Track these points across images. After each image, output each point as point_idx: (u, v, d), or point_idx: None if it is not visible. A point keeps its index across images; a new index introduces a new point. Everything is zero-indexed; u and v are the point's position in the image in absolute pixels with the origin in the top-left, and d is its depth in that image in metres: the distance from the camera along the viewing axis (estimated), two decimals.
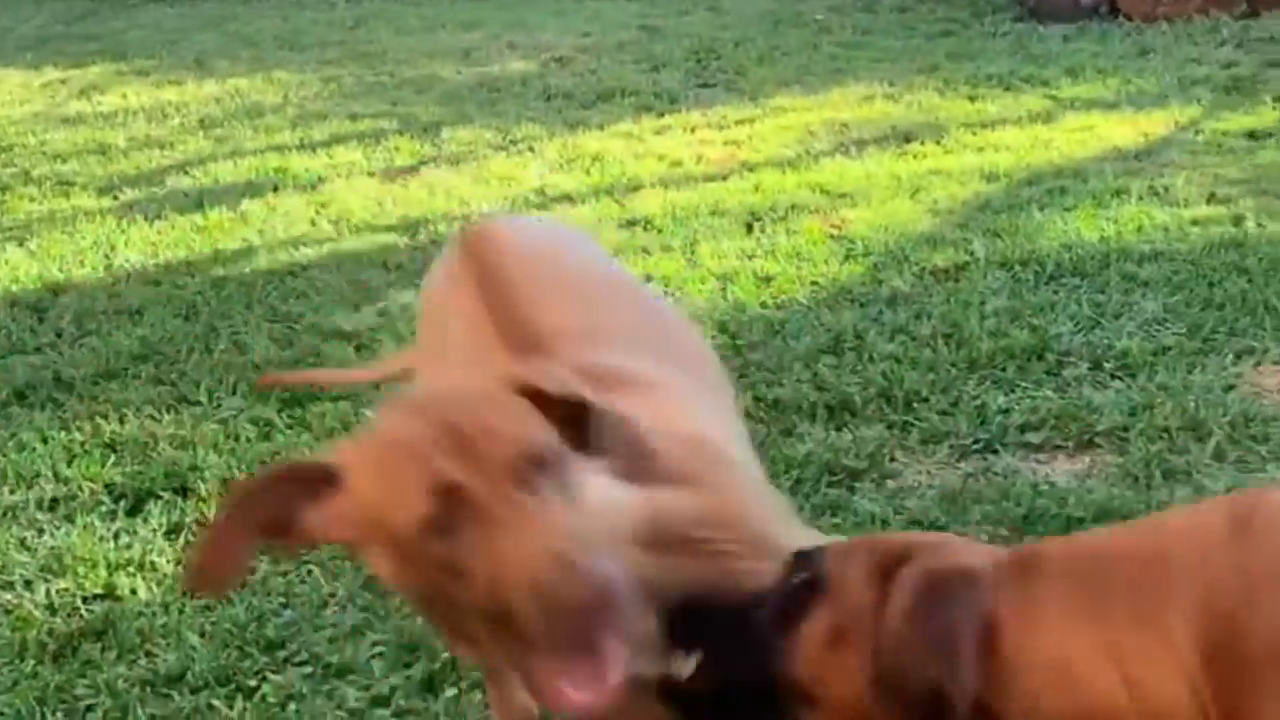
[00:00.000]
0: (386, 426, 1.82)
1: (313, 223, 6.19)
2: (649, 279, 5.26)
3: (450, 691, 2.92)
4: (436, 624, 1.90)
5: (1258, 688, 1.68)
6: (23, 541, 3.53)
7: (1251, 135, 7.04)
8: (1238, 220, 5.57)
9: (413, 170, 7.03)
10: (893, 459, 3.79)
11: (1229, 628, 1.70)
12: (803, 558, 1.96)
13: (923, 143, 7.15)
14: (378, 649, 3.07)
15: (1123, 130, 7.24)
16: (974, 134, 7.25)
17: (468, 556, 1.68)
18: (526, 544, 1.66)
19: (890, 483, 3.69)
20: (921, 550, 1.92)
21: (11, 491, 3.76)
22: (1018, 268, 5.12)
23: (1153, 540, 1.85)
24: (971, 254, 5.30)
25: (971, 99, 8.08)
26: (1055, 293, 4.81)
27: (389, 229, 6.07)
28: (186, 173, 7.10)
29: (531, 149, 7.39)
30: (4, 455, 3.94)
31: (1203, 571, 1.75)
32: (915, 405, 4.04)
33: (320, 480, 1.81)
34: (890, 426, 3.99)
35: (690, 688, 1.92)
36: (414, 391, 2.04)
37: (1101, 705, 1.77)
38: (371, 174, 6.96)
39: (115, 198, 6.67)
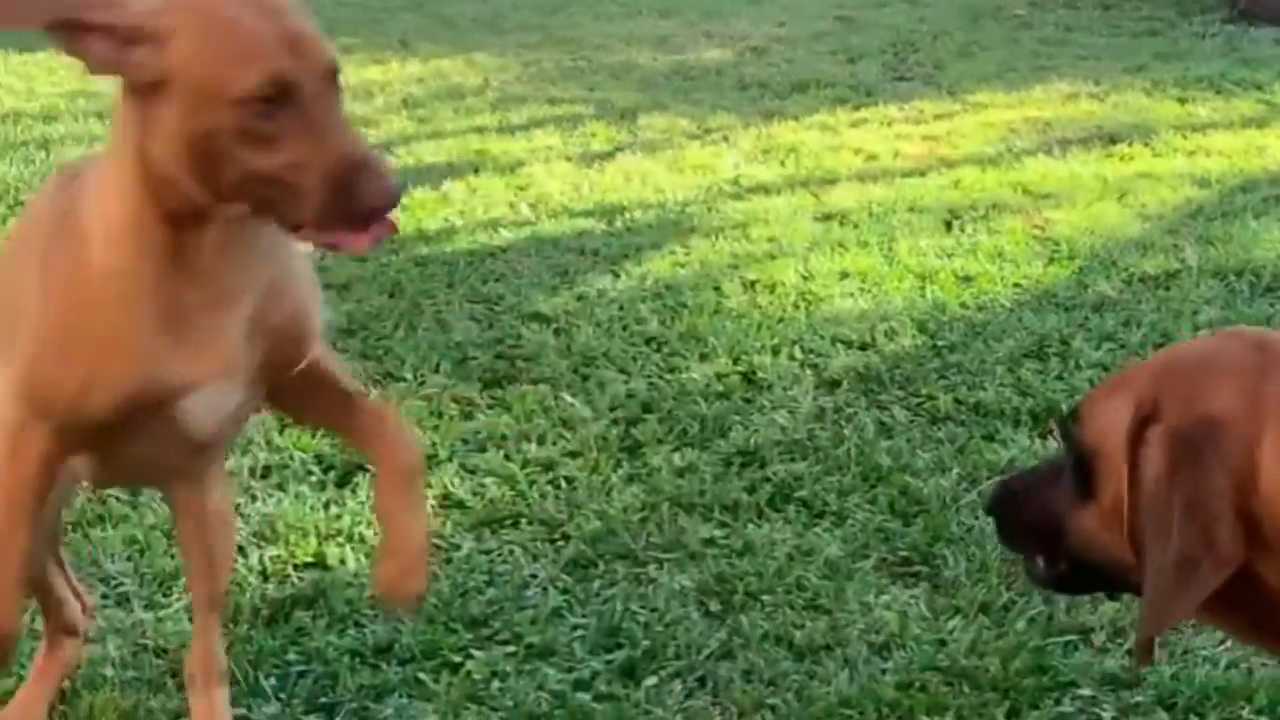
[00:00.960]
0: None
1: (511, 206, 6.27)
2: (845, 274, 5.23)
3: (651, 680, 2.93)
4: (193, 170, 2.06)
5: None
6: (236, 507, 3.62)
7: None
8: None
9: (609, 156, 7.07)
10: None
11: None
12: (1062, 424, 1.95)
13: (1130, 144, 6.99)
14: (578, 632, 3.09)
15: None
16: (1184, 137, 7.08)
17: (281, 136, 2.01)
18: (341, 139, 2.04)
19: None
20: (1170, 398, 1.77)
21: (225, 458, 3.86)
22: (1232, 277, 4.99)
23: None
24: (1183, 261, 5.18)
25: (1181, 101, 7.88)
26: (1272, 305, 4.68)
27: (586, 214, 6.12)
28: (390, 152, 7.22)
29: (726, 138, 7.39)
30: None
31: None
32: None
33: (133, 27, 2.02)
34: None
35: (1051, 575, 2.02)
36: None
37: None
38: (569, 159, 7.02)
39: None
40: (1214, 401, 1.72)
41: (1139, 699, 2.82)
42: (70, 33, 2.03)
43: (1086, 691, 2.85)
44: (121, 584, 3.29)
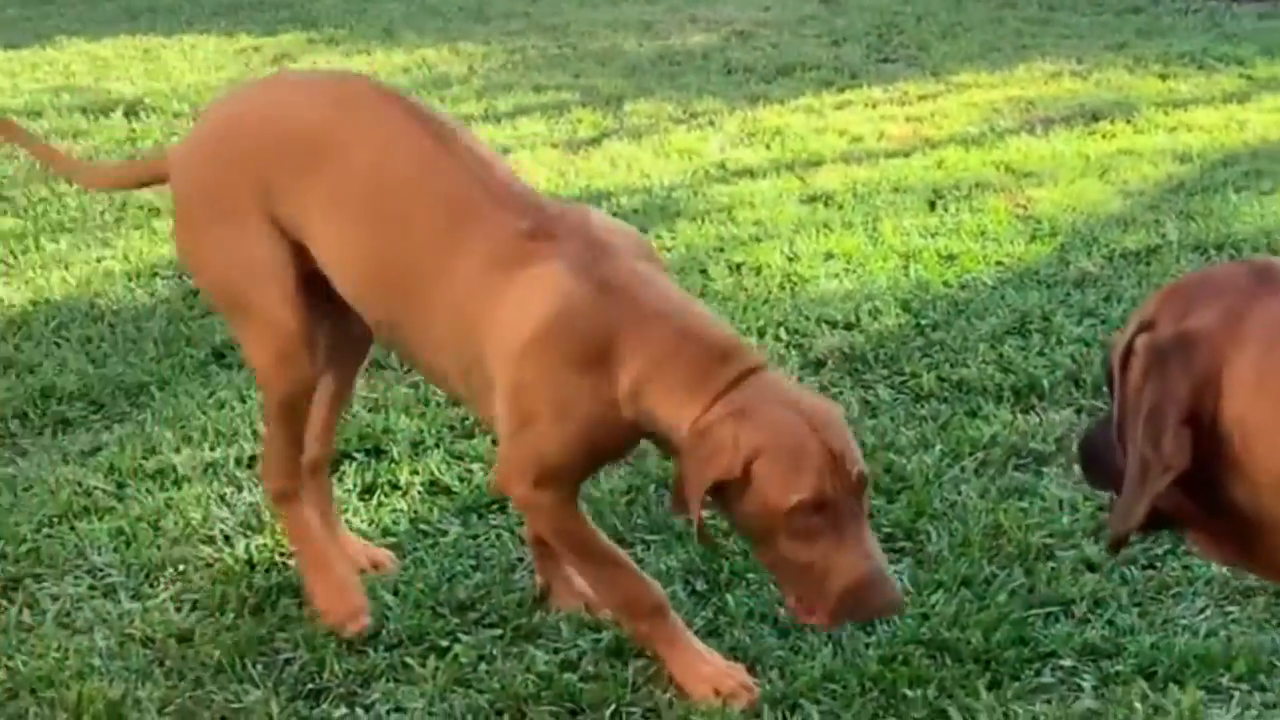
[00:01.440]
0: (782, 424, 2.61)
1: None
2: (830, 255, 5.25)
3: (639, 659, 2.95)
4: (747, 538, 2.81)
5: None
6: (223, 498, 3.65)
7: None
8: None
9: (595, 142, 7.08)
10: None
11: None
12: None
13: (1112, 122, 7.01)
14: (564, 614, 3.11)
15: None
16: (1166, 114, 7.10)
17: (815, 536, 2.58)
18: (860, 552, 2.60)
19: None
20: (1165, 314, 1.80)
21: (211, 448, 3.88)
22: (1213, 252, 5.01)
23: None
24: (1164, 237, 5.20)
25: (1163, 77, 7.90)
26: None
27: (572, 200, 6.12)
28: None
29: (712, 123, 7.40)
30: (204, 413, 4.07)
31: None
32: (1105, 389, 3.97)
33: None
34: (1079, 410, 3.94)
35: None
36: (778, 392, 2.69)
37: None
38: (555, 146, 7.03)
39: None
40: (1196, 318, 1.74)
41: (1119, 668, 2.84)
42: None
43: (1067, 662, 2.88)
44: (108, 575, 3.31)
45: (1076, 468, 2.34)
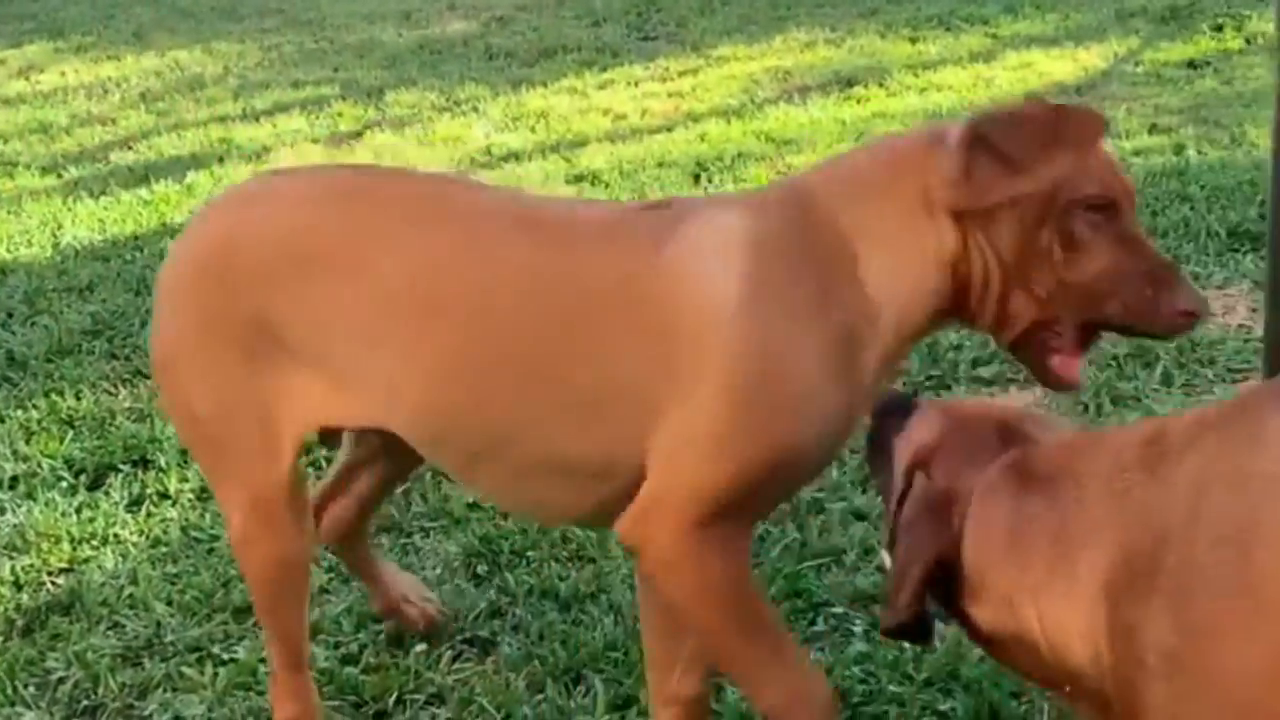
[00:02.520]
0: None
1: None
2: None
3: (420, 646, 2.94)
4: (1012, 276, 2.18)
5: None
6: None
7: (1190, 65, 7.12)
8: (1179, 149, 5.64)
9: (357, 135, 7.01)
10: None
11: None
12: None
13: (866, 86, 7.19)
14: (345, 608, 3.09)
15: (1063, 65, 7.30)
16: (916, 75, 7.30)
17: (1100, 245, 2.14)
18: (1153, 250, 2.18)
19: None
20: (941, 457, 1.99)
21: None
22: None
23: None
24: None
25: (912, 40, 8.12)
26: None
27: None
28: (130, 148, 7.06)
29: (476, 109, 7.38)
30: None
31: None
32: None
33: None
34: None
35: None
36: None
37: (1027, 640, 1.84)
38: (316, 141, 6.93)
39: (60, 176, 6.63)
40: (955, 479, 1.95)
41: None
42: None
43: (839, 609, 2.95)
44: None
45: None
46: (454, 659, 2.92)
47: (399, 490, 3.36)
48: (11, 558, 3.36)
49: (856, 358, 2.14)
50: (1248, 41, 7.43)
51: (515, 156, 6.48)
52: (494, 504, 3.03)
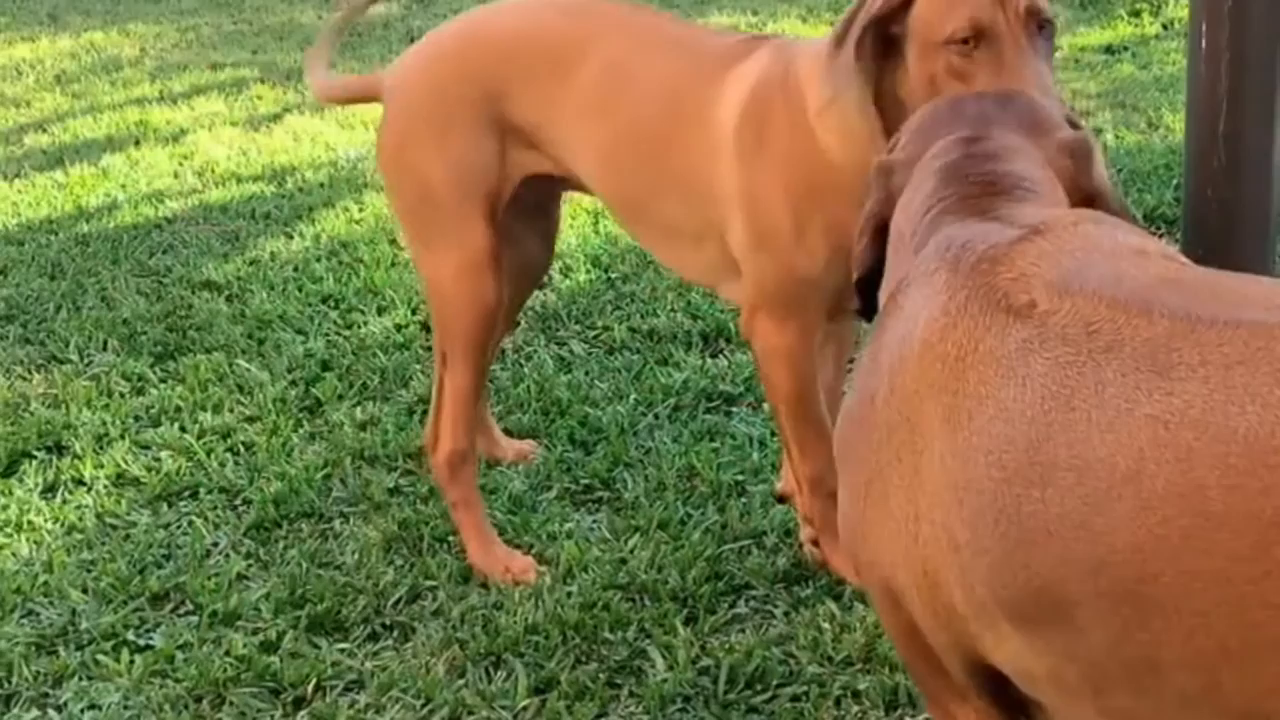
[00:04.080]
0: None
1: (176, 175, 6.10)
2: None
3: (339, 633, 2.93)
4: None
5: None
6: None
7: (1108, 49, 7.19)
8: (1097, 133, 5.70)
9: (277, 118, 6.93)
10: None
11: None
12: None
13: None
14: (263, 595, 3.06)
15: None
16: None
17: (975, 69, 2.40)
18: (1024, 75, 2.37)
19: (767, 405, 3.73)
20: (902, 137, 2.14)
21: None
22: None
23: None
24: None
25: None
26: None
27: (255, 179, 6.00)
28: (45, 130, 6.95)
29: None
30: None
31: None
32: None
33: None
34: None
35: None
36: None
37: None
38: (235, 124, 6.86)
39: None
40: (904, 150, 2.11)
41: (807, 592, 2.94)
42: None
43: (760, 591, 2.96)
44: None
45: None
46: (375, 643, 2.91)
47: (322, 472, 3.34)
48: None
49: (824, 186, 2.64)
50: (1164, 27, 7.52)
51: None
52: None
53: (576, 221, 5.16)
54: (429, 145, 2.98)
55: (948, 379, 1.64)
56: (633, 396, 3.83)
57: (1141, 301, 1.54)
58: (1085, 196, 1.97)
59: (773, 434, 3.54)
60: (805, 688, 2.66)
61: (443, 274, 3.03)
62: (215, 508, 3.42)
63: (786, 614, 2.88)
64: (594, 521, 3.29)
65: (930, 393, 1.66)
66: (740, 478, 3.39)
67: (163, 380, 4.09)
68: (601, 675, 2.74)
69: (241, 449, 3.70)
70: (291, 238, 5.22)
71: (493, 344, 3.19)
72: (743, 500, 3.30)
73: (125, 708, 2.74)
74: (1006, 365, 1.59)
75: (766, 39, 2.86)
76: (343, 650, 2.88)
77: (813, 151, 2.63)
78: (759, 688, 2.68)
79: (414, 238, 3.15)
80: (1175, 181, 4.82)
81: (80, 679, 2.84)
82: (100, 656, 2.89)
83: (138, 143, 6.60)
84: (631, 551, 3.12)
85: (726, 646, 2.79)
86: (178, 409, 3.91)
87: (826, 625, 2.81)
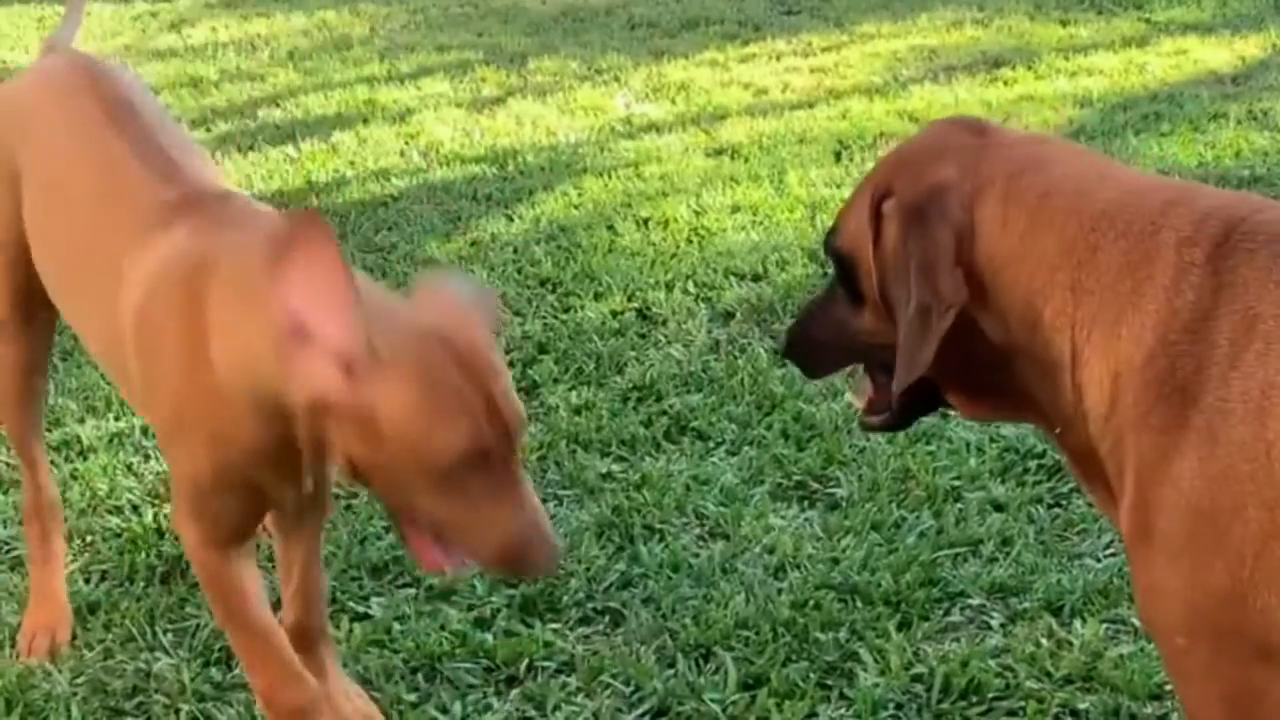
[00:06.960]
0: (419, 356, 2.02)
1: (402, 154, 6.23)
2: (737, 208, 5.26)
3: (551, 614, 2.96)
4: (367, 484, 2.14)
5: None
6: (129, 467, 3.61)
7: None
8: None
9: (500, 101, 7.04)
10: None
11: None
12: (826, 243, 2.09)
13: (1013, 68, 7.07)
14: (477, 571, 3.10)
15: (1219, 54, 7.12)
16: (1066, 59, 7.16)
17: (475, 497, 2.04)
18: (519, 509, 2.07)
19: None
20: (901, 179, 1.94)
21: (116, 419, 3.84)
22: None
23: None
24: None
25: (1063, 23, 7.97)
26: None
27: (478, 160, 6.10)
28: (278, 105, 7.15)
29: (617, 78, 7.38)
30: (107, 384, 4.01)
31: None
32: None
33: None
34: None
35: (880, 416, 2.19)
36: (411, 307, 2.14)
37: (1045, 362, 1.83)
38: (460, 105, 6.98)
39: (209, 130, 6.74)
40: (937, 173, 1.89)
41: (1025, 605, 2.89)
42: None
43: (975, 600, 2.92)
44: (14, 549, 3.27)
45: (786, 356, 2.46)
46: (586, 627, 2.93)
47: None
48: (154, 505, 3.43)
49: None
50: None
51: (655, 128, 6.47)
52: None
53: (793, 215, 5.14)
54: None
55: None
56: (847, 394, 3.78)
57: None
58: None
59: (991, 439, 3.49)
60: (1022, 703, 2.61)
61: None
62: None
63: (1003, 625, 2.83)
64: (805, 519, 3.27)
65: None
66: (957, 483, 3.34)
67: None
68: (812, 675, 2.73)
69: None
70: (511, 220, 5.29)
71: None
72: (959, 506, 3.25)
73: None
74: None
75: (200, 201, 2.42)
76: (555, 631, 2.91)
77: (203, 364, 2.20)
78: (974, 699, 2.63)
79: None
80: None
81: None
82: None
83: (366, 120, 6.76)
84: (844, 551, 3.09)
85: (940, 655, 2.75)
86: None
87: (1045, 640, 2.76)
